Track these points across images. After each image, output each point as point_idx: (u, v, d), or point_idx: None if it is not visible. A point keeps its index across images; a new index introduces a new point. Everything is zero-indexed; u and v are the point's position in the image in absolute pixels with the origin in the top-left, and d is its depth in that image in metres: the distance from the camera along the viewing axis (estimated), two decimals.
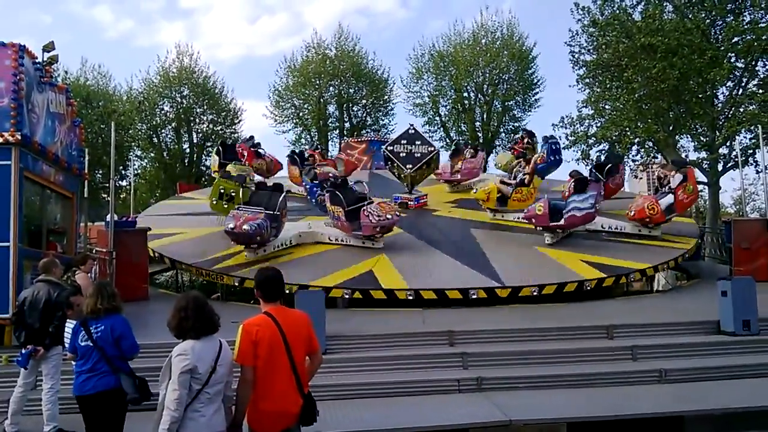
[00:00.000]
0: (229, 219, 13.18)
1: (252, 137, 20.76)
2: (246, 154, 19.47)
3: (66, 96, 11.47)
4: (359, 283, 12.27)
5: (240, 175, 16.17)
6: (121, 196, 31.47)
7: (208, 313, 4.16)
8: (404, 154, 17.54)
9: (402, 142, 17.74)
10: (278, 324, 4.12)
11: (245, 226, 12.82)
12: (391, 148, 17.77)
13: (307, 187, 14.08)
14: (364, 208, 13.81)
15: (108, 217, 13.64)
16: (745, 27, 23.08)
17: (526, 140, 20.85)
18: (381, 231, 13.84)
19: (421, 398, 8.02)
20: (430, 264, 13.27)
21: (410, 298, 11.87)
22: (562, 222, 14.00)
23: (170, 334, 4.16)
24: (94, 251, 13.31)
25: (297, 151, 21.83)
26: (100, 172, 29.61)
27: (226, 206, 14.62)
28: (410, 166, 17.55)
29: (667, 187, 15.18)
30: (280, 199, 14.05)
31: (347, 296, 12.07)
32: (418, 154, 17.53)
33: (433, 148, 18.21)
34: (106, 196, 28.61)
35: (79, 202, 12.25)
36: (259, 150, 20.27)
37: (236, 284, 12.89)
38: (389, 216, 13.83)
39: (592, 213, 14.09)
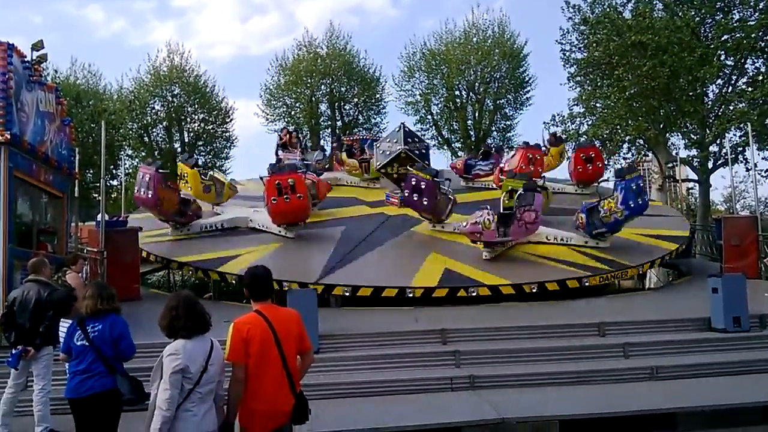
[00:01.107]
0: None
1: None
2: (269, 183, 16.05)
3: (56, 95, 11.38)
4: None
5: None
6: (112, 195, 31.23)
7: (199, 312, 4.14)
8: (417, 152, 17.54)
9: (408, 140, 17.70)
10: (269, 322, 4.10)
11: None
12: (408, 147, 17.58)
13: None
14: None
15: (99, 217, 13.56)
16: (734, 25, 23.18)
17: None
18: None
19: (413, 397, 8.04)
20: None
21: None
22: (471, 175, 19.40)
23: (162, 333, 4.15)
24: (85, 251, 13.23)
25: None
26: (91, 171, 29.36)
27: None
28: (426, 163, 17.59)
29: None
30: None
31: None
32: (423, 151, 17.70)
33: (426, 144, 18.47)
34: (97, 195, 28.39)
35: (70, 201, 12.16)
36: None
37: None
38: None
39: (489, 172, 18.98)
